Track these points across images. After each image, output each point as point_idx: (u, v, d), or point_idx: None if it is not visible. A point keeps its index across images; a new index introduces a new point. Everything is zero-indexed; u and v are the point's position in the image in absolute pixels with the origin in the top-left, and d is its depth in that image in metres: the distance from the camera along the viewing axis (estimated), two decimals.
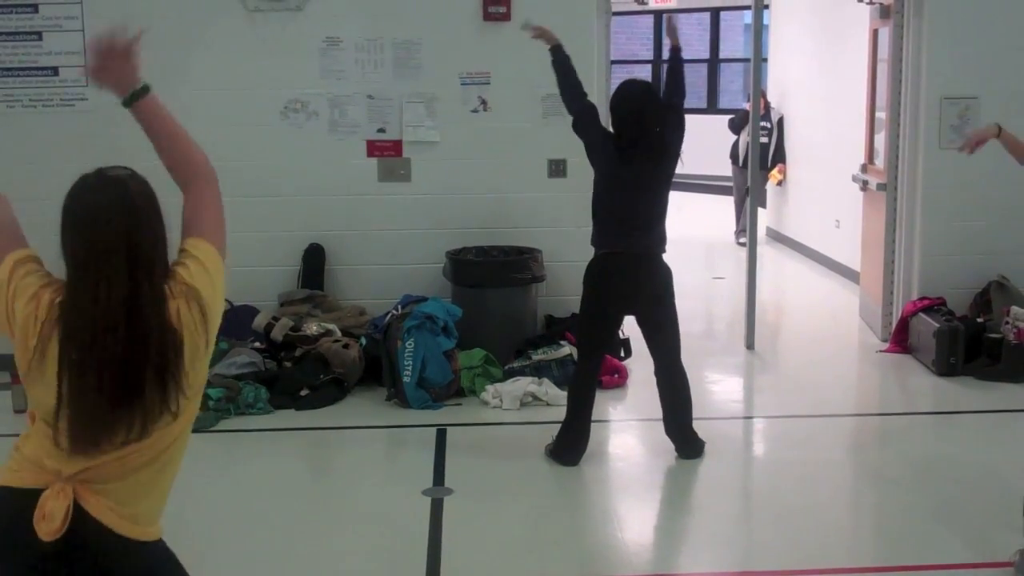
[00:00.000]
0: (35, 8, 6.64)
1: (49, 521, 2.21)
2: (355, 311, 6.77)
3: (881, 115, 7.54)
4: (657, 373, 5.29)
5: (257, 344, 6.40)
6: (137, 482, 2.30)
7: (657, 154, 5.02)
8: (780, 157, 11.37)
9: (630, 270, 5.05)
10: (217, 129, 6.60)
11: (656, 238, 5.10)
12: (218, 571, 4.02)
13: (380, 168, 6.88)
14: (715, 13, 15.96)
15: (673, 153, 5.08)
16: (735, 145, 11.51)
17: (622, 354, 6.72)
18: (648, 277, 5.09)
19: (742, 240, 9.89)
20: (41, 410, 2.24)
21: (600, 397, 5.46)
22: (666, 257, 5.17)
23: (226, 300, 7.49)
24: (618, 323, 5.47)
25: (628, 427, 6.03)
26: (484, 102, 6.84)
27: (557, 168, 6.88)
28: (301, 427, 5.89)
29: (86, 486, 2.25)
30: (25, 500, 2.23)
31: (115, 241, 2.18)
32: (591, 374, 5.28)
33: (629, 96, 5.08)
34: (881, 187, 7.34)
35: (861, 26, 8.17)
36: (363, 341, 6.43)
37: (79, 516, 2.24)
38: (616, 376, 6.40)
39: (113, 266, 2.17)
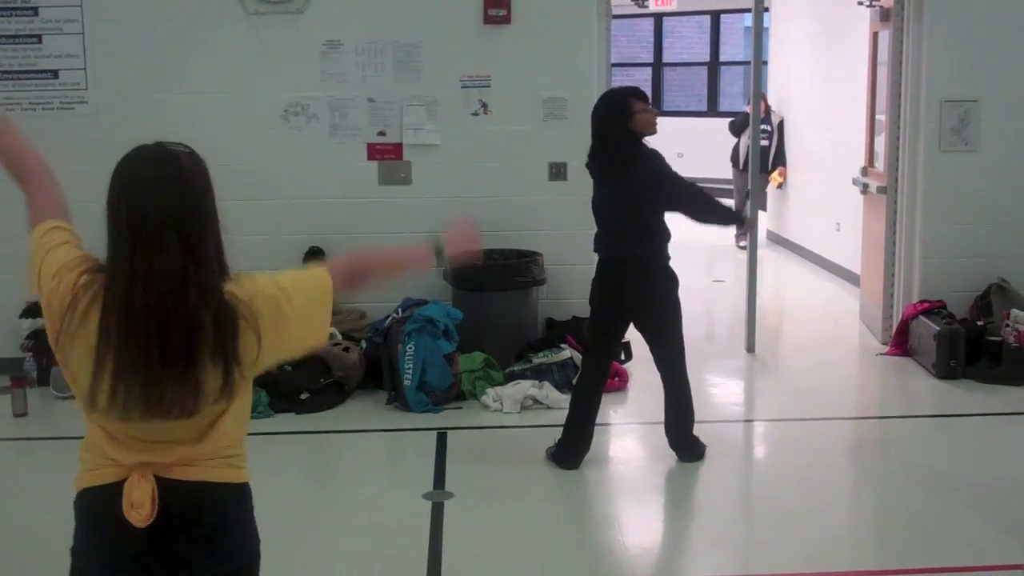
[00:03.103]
0: (35, 11, 6.63)
1: (139, 508, 2.21)
2: (355, 314, 6.76)
3: (881, 118, 7.53)
4: (662, 380, 5.27)
5: None
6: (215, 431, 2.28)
7: (631, 179, 4.95)
8: (780, 160, 11.37)
9: (624, 275, 5.03)
10: (218, 132, 6.62)
11: (647, 243, 5.02)
12: None
13: (381, 171, 6.88)
14: (715, 16, 15.95)
15: (645, 185, 4.96)
16: (735, 148, 11.51)
17: (623, 357, 6.71)
18: (643, 282, 5.04)
19: (742, 243, 9.88)
20: (76, 386, 2.22)
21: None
22: (671, 264, 5.12)
23: None
24: (616, 326, 5.35)
25: (629, 430, 6.03)
26: (484, 105, 6.84)
27: (558, 171, 6.88)
28: (301, 431, 5.89)
29: (162, 464, 2.24)
30: (111, 495, 2.23)
31: (165, 215, 2.17)
32: (595, 378, 5.24)
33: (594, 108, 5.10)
34: (881, 190, 7.33)
35: (861, 29, 8.17)
36: (363, 344, 6.43)
37: (169, 490, 2.23)
38: (617, 379, 6.38)
39: (165, 239, 2.16)
